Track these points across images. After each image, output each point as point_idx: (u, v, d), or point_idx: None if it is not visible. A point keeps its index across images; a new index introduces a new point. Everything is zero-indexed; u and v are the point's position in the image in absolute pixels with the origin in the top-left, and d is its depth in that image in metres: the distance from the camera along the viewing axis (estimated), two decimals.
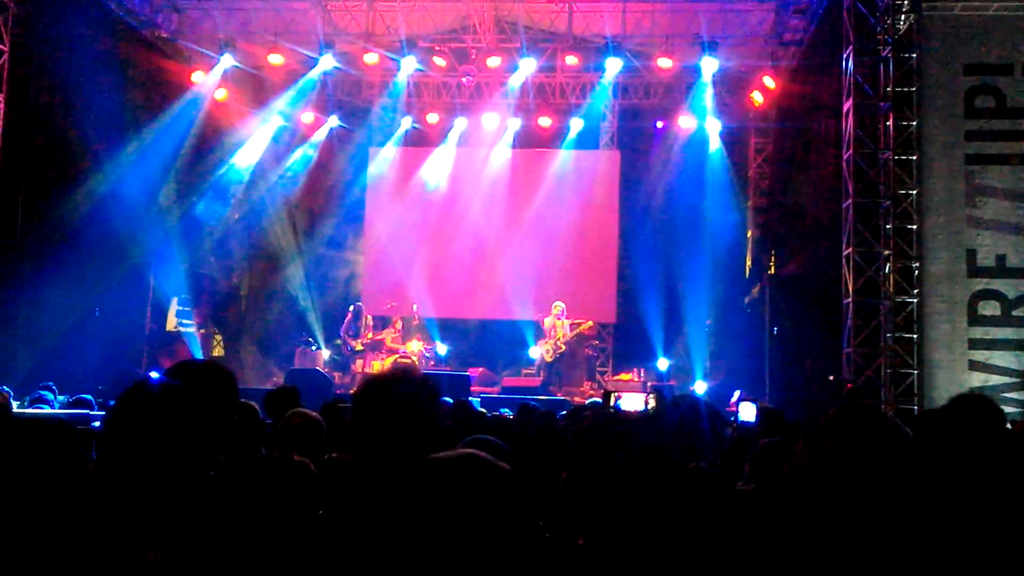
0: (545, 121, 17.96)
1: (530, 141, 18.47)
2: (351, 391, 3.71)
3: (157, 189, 15.34)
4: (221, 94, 16.60)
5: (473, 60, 16.95)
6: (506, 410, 8.16)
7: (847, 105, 12.33)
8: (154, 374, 10.42)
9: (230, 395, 2.86)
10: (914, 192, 11.85)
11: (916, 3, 11.98)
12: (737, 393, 13.29)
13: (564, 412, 7.88)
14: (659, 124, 18.09)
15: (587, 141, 18.36)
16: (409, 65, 16.74)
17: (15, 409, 7.03)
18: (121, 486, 2.33)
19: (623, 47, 16.05)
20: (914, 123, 11.90)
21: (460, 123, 18.40)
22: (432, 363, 16.53)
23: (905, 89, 11.97)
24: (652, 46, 16.39)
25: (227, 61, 16.15)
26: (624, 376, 16.71)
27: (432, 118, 18.35)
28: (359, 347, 16.58)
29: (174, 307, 16.23)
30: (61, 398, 8.86)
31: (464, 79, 17.20)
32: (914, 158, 11.89)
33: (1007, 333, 11.40)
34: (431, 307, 17.34)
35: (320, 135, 18.39)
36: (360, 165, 18.97)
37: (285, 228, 18.17)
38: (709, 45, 15.46)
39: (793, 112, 16.15)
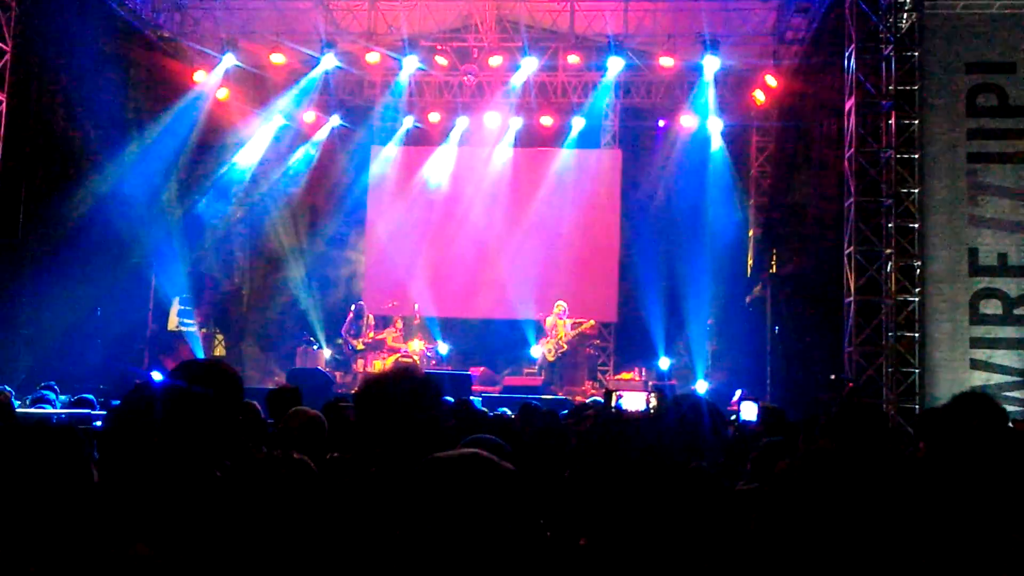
0: (547, 120, 17.95)
1: (532, 140, 18.46)
2: (353, 391, 3.71)
3: (159, 189, 15.34)
4: (223, 93, 16.61)
5: (475, 59, 16.96)
6: (504, 409, 8.16)
7: (849, 104, 12.33)
8: (156, 374, 10.46)
9: (235, 395, 2.86)
10: (916, 191, 11.84)
11: (918, 2, 11.98)
12: (739, 392, 13.29)
13: (566, 411, 7.88)
14: (661, 123, 18.07)
15: (589, 140, 18.35)
16: (411, 64, 16.74)
17: (17, 409, 7.04)
18: (123, 486, 2.33)
19: (625, 46, 16.04)
20: (916, 122, 11.89)
21: (462, 122, 18.40)
22: (433, 362, 16.53)
23: (907, 88, 11.96)
24: (654, 45, 16.39)
25: (229, 60, 16.15)
26: (625, 375, 16.71)
27: (434, 117, 18.35)
28: (360, 346, 16.58)
29: (176, 307, 16.23)
30: (63, 398, 8.87)
31: (466, 78, 17.21)
32: (916, 157, 11.88)
33: (1009, 332, 11.39)
34: (432, 306, 17.34)
35: (322, 134, 18.39)
36: (362, 164, 18.97)
37: (287, 227, 18.17)
38: (711, 44, 15.44)
39: (795, 111, 16.14)
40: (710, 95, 16.53)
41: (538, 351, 16.34)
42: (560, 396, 14.53)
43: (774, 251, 16.59)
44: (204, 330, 16.83)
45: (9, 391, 7.51)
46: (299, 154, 18.41)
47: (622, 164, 18.49)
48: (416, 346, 16.64)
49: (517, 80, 17.06)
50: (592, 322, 16.68)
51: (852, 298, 12.02)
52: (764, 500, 2.11)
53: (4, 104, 12.07)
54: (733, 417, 7.17)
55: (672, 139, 17.73)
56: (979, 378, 11.23)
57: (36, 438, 2.19)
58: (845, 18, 12.42)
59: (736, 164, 17.57)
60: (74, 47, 13.12)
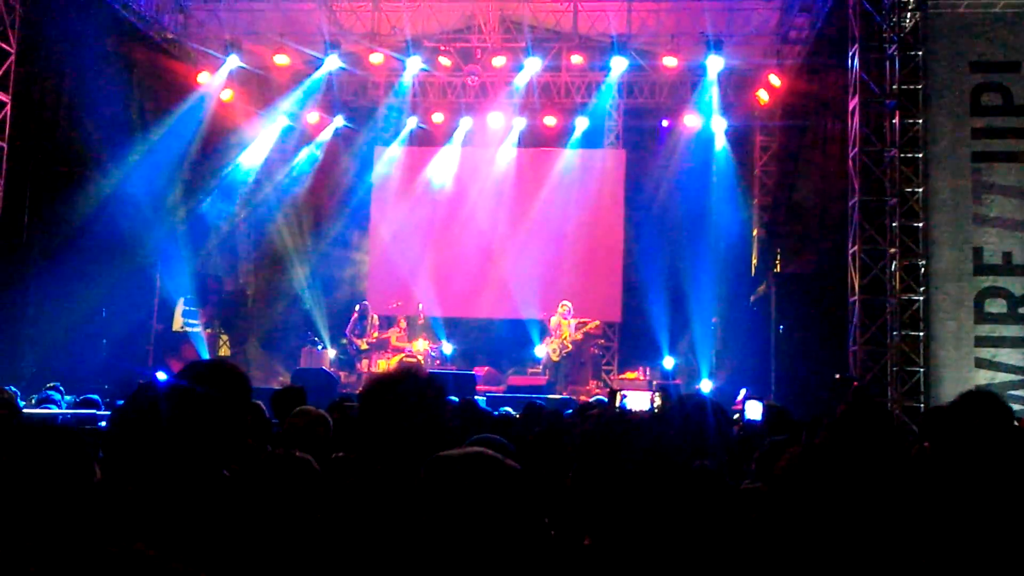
0: (550, 120, 17.96)
1: (535, 140, 18.47)
2: (357, 390, 3.71)
3: (163, 190, 15.36)
4: (227, 95, 16.64)
5: (478, 60, 16.97)
6: (507, 408, 8.15)
7: (853, 103, 12.31)
8: (161, 375, 10.47)
9: (243, 395, 2.86)
10: (920, 190, 11.82)
11: (921, 1, 11.96)
12: (743, 391, 13.27)
13: (570, 411, 7.88)
14: (664, 123, 18.08)
15: (592, 140, 18.36)
16: (414, 65, 16.75)
17: (22, 409, 7.05)
18: (128, 486, 2.34)
19: (628, 46, 16.03)
20: (920, 121, 11.87)
21: (465, 123, 18.42)
22: (437, 362, 16.54)
23: (911, 87, 11.95)
24: (657, 45, 16.38)
25: (233, 62, 16.18)
26: (630, 375, 16.72)
27: (437, 118, 18.38)
28: (364, 346, 16.60)
29: (180, 307, 16.26)
30: (68, 398, 8.88)
31: (469, 79, 17.21)
32: (920, 156, 11.86)
33: (1013, 330, 11.36)
34: (437, 306, 17.36)
35: (326, 135, 18.42)
36: (365, 165, 19.00)
37: (291, 228, 18.20)
38: (714, 44, 15.43)
39: (799, 110, 16.13)
40: (713, 95, 16.53)
41: (542, 351, 16.34)
42: (564, 396, 14.53)
43: (778, 250, 16.58)
44: (209, 330, 16.86)
45: (15, 391, 7.52)
46: (303, 155, 18.44)
47: (626, 164, 18.50)
48: (420, 346, 16.65)
49: (520, 80, 17.07)
50: (597, 322, 16.68)
51: (856, 297, 12.00)
52: (765, 498, 2.11)
53: (8, 106, 12.09)
54: (736, 416, 7.16)
55: (676, 139, 17.73)
56: (984, 377, 11.21)
57: (39, 439, 2.19)
58: (848, 17, 12.41)
59: (740, 164, 17.57)
60: (78, 49, 13.14)
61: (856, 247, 12.06)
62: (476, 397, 11.04)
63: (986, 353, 11.32)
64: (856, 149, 12.15)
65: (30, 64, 12.65)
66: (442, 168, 18.77)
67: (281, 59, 16.31)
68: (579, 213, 18.02)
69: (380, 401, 2.60)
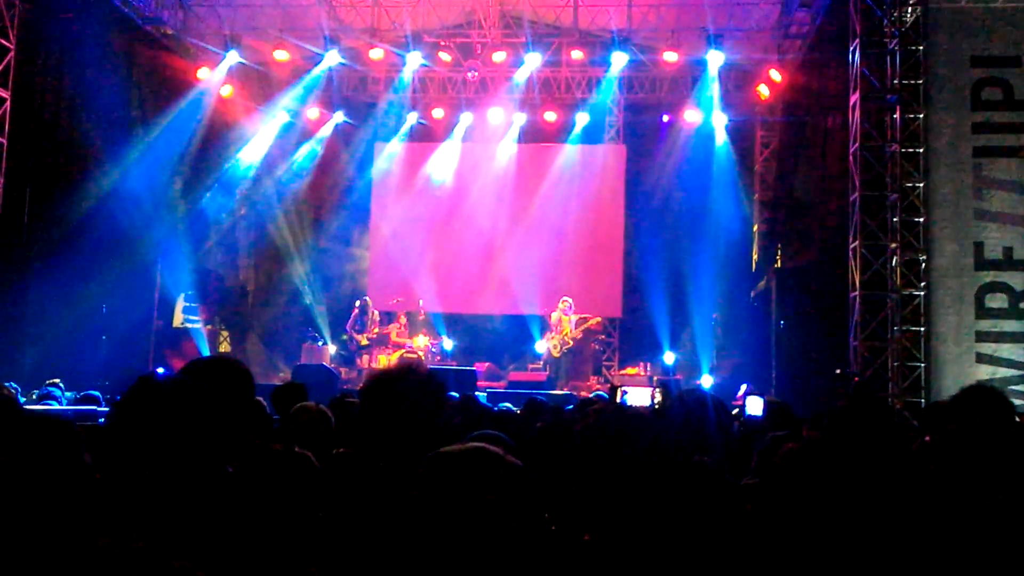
0: (551, 116, 17.95)
1: (535, 136, 18.45)
2: (358, 387, 3.71)
3: (163, 186, 15.35)
4: (227, 90, 16.63)
5: (478, 55, 16.94)
6: (506, 404, 8.15)
7: (853, 98, 12.29)
8: (160, 371, 10.46)
9: (246, 392, 2.86)
10: (921, 185, 11.81)
11: None
12: (744, 387, 13.27)
13: (571, 406, 7.88)
14: (665, 118, 18.06)
15: (593, 136, 18.35)
16: (414, 60, 16.73)
17: (23, 406, 7.05)
18: (127, 480, 2.33)
19: (629, 41, 16.00)
20: (921, 116, 11.86)
21: (466, 118, 18.40)
22: (438, 358, 16.54)
23: (912, 82, 11.94)
24: (658, 40, 16.37)
25: (232, 57, 16.15)
26: (631, 370, 16.72)
27: (437, 113, 18.36)
28: (364, 342, 16.60)
29: (181, 303, 16.26)
30: (69, 394, 8.89)
31: (469, 74, 17.20)
32: (921, 151, 11.86)
33: (1014, 325, 11.36)
34: (437, 302, 17.36)
35: (326, 131, 18.41)
36: (366, 161, 18.99)
37: (291, 224, 18.20)
38: (715, 39, 15.41)
39: (799, 105, 16.11)
40: (714, 90, 16.51)
41: (543, 346, 16.34)
42: (565, 391, 14.53)
43: (779, 246, 16.56)
44: (209, 327, 16.86)
45: (15, 388, 7.52)
46: (303, 151, 18.43)
47: (626, 159, 18.49)
48: (421, 342, 16.65)
49: (521, 76, 17.06)
50: (598, 319, 16.67)
51: (857, 292, 12.00)
52: (761, 492, 2.11)
53: (8, 102, 12.09)
54: (736, 411, 7.15)
55: (676, 134, 17.72)
56: (985, 372, 11.21)
57: (30, 430, 2.18)
58: (849, 12, 12.39)
59: (740, 159, 17.56)
60: (78, 45, 13.13)
61: (857, 242, 12.05)
62: (476, 393, 11.04)
63: (987, 348, 11.32)
64: (857, 144, 12.14)
65: (30, 60, 12.65)
66: (442, 164, 18.76)
67: (281, 55, 16.29)
68: (579, 209, 18.01)
69: (381, 397, 2.60)
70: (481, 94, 17.85)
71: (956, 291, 11.51)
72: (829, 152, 14.15)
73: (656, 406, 5.68)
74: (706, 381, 15.46)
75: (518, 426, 5.77)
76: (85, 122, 13.57)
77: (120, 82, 14.08)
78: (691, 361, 16.54)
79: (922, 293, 11.73)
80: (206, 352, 15.36)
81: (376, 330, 16.70)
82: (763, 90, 16.48)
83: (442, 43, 16.88)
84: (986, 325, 11.39)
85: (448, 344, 17.08)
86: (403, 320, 16.96)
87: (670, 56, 16.18)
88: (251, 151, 17.67)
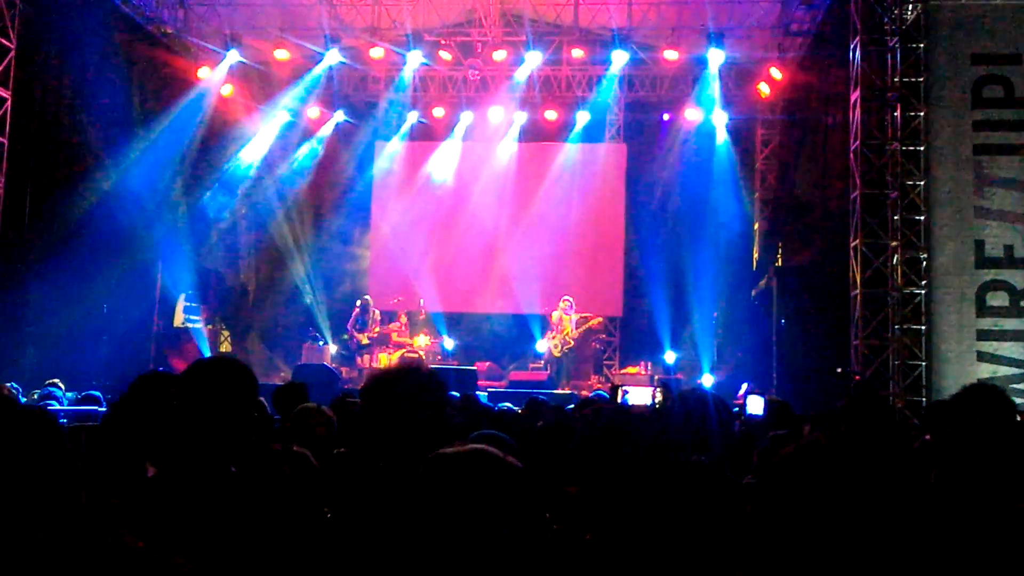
0: (551, 114, 17.94)
1: (536, 135, 18.45)
2: (359, 386, 3.71)
3: (164, 186, 15.36)
4: (227, 90, 16.63)
5: (479, 54, 16.94)
6: (507, 404, 8.16)
7: (854, 96, 12.28)
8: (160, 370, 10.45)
9: (250, 393, 2.85)
10: (921, 183, 11.80)
11: None
12: (745, 386, 13.27)
13: (571, 406, 7.88)
14: (665, 117, 18.06)
15: (593, 134, 18.35)
16: (415, 59, 16.73)
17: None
18: (122, 479, 2.33)
19: (629, 39, 16.00)
20: (922, 113, 11.84)
21: (466, 117, 18.39)
22: (439, 357, 16.54)
23: (912, 79, 11.92)
24: (658, 38, 16.36)
25: (233, 57, 16.15)
26: (631, 369, 16.71)
27: (438, 112, 18.36)
28: (365, 341, 16.61)
29: (181, 303, 16.26)
30: (69, 395, 8.89)
31: (470, 73, 17.20)
32: (921, 149, 11.85)
33: (1015, 324, 11.34)
34: (438, 301, 17.36)
35: (326, 130, 18.41)
36: (366, 160, 18.99)
37: (292, 223, 18.20)
38: (715, 37, 15.41)
39: (800, 104, 16.10)
40: (715, 88, 16.51)
41: (544, 346, 16.34)
42: (566, 391, 14.53)
43: (780, 244, 16.56)
44: (210, 326, 16.86)
45: (16, 388, 7.52)
46: (304, 150, 18.43)
47: (627, 158, 18.49)
48: (421, 341, 16.66)
49: (521, 74, 17.05)
50: (600, 319, 16.67)
51: (858, 291, 11.99)
52: (760, 491, 2.10)
53: (9, 102, 12.08)
54: (736, 410, 7.16)
55: (677, 133, 17.72)
56: (986, 370, 11.19)
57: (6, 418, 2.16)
58: (850, 10, 12.37)
59: (741, 157, 17.55)
60: (78, 44, 13.13)
61: (857, 240, 12.05)
62: (477, 392, 11.05)
63: (988, 347, 11.31)
64: (857, 142, 12.13)
65: (30, 60, 12.64)
66: (443, 163, 18.76)
67: (281, 54, 16.29)
68: (580, 207, 18.01)
69: (382, 397, 2.59)
70: (482, 93, 17.85)
71: (957, 289, 11.49)
72: (830, 150, 14.14)
73: (657, 405, 5.68)
74: (707, 380, 15.47)
75: (519, 426, 5.77)
76: (86, 122, 13.56)
77: (120, 81, 14.08)
78: (692, 360, 16.53)
79: (923, 291, 11.72)
80: (207, 352, 15.37)
81: (377, 329, 16.71)
82: (764, 88, 16.47)
83: (442, 42, 16.87)
84: (987, 323, 11.37)
85: (449, 343, 17.08)
86: (404, 319, 16.96)
87: (671, 54, 16.17)
88: (252, 150, 17.67)
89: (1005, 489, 2.69)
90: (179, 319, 16.33)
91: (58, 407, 7.91)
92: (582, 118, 18.01)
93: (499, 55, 16.68)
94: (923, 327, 11.65)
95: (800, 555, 2.02)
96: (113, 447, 3.13)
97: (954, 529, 2.47)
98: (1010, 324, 11.35)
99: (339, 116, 18.32)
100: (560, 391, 14.31)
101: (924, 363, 11.58)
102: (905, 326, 11.72)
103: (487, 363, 16.71)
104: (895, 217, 11.90)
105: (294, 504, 2.70)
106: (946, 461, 2.97)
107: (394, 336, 16.67)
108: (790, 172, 16.71)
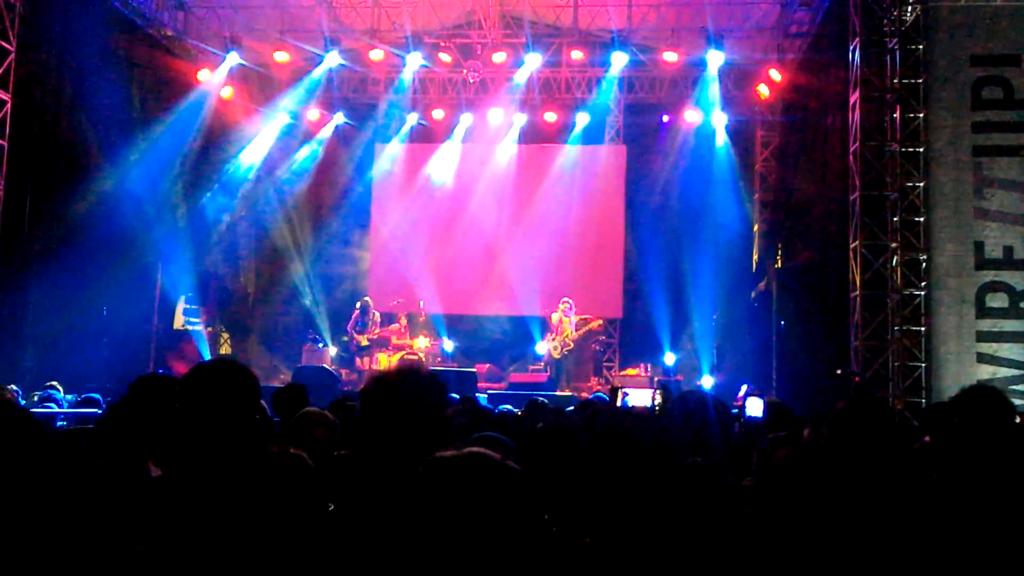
0: (551, 116, 17.94)
1: (536, 136, 18.44)
2: (359, 388, 3.71)
3: (164, 188, 15.36)
4: (227, 92, 16.64)
5: (478, 55, 16.94)
6: (507, 406, 8.15)
7: (854, 97, 12.29)
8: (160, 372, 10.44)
9: (253, 395, 2.85)
10: (921, 184, 11.81)
11: None
12: (744, 387, 13.27)
13: (571, 408, 7.88)
14: (665, 118, 18.04)
15: (593, 136, 18.34)
16: (414, 61, 16.74)
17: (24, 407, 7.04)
18: (120, 481, 2.33)
19: (629, 41, 16.01)
20: (921, 115, 11.85)
21: (466, 119, 18.39)
22: (439, 359, 16.54)
23: (912, 81, 11.94)
24: (658, 40, 16.38)
25: (233, 59, 16.17)
26: (631, 371, 16.70)
27: (438, 114, 18.36)
28: (365, 343, 16.60)
29: (181, 305, 16.26)
30: (69, 397, 8.87)
31: (469, 75, 17.19)
32: (921, 150, 11.85)
33: (1015, 325, 11.34)
34: (438, 303, 17.35)
35: (326, 132, 18.41)
36: (366, 162, 18.98)
37: (292, 225, 18.20)
38: (715, 38, 15.41)
39: (799, 105, 16.10)
40: (714, 90, 16.51)
41: (544, 348, 16.33)
42: (566, 393, 14.52)
43: (779, 246, 16.55)
44: (210, 329, 16.86)
45: (16, 390, 7.52)
46: (303, 152, 18.43)
47: (626, 160, 18.49)
48: (421, 343, 16.65)
49: (521, 76, 17.05)
50: (600, 321, 16.67)
51: (858, 292, 12.00)
52: (758, 493, 2.10)
53: (9, 104, 12.08)
54: (736, 412, 7.16)
55: (676, 134, 17.71)
56: (986, 372, 11.19)
57: None
58: (849, 12, 12.39)
59: (741, 159, 17.55)
60: (78, 47, 13.13)
61: (857, 242, 12.05)
62: (477, 394, 11.05)
63: (987, 348, 11.31)
64: (857, 144, 12.14)
65: (30, 62, 12.64)
66: (442, 165, 18.76)
67: (281, 56, 16.30)
68: (580, 209, 18.00)
69: (382, 399, 2.59)
70: (481, 95, 17.85)
71: (956, 291, 11.50)
72: (829, 152, 14.14)
73: (657, 407, 5.68)
74: (707, 382, 15.46)
75: (519, 428, 5.77)
76: (86, 124, 13.56)
77: (120, 84, 14.08)
78: (692, 362, 16.53)
79: (922, 293, 11.72)
80: (207, 354, 15.37)
81: (377, 331, 16.70)
82: (763, 90, 16.48)
83: (442, 44, 16.88)
84: (987, 325, 11.38)
85: (449, 345, 17.08)
86: (404, 321, 16.96)
87: (670, 56, 16.18)
88: (251, 152, 17.67)
89: (1005, 491, 2.69)
90: (179, 321, 16.33)
91: (57, 409, 7.91)
92: (582, 120, 18.01)
93: (499, 57, 16.69)
94: (923, 328, 11.66)
95: (800, 556, 2.02)
96: (111, 448, 3.13)
97: (954, 531, 2.47)
98: (1010, 326, 11.35)
99: (339, 118, 18.32)
100: (560, 393, 14.30)
101: (924, 364, 11.59)
102: (905, 327, 11.73)
103: (487, 365, 16.70)
104: (895, 218, 11.91)
105: (291, 506, 2.69)
106: (946, 463, 2.97)
107: (394, 338, 16.67)
108: (789, 174, 16.70)
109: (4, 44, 12.02)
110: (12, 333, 12.28)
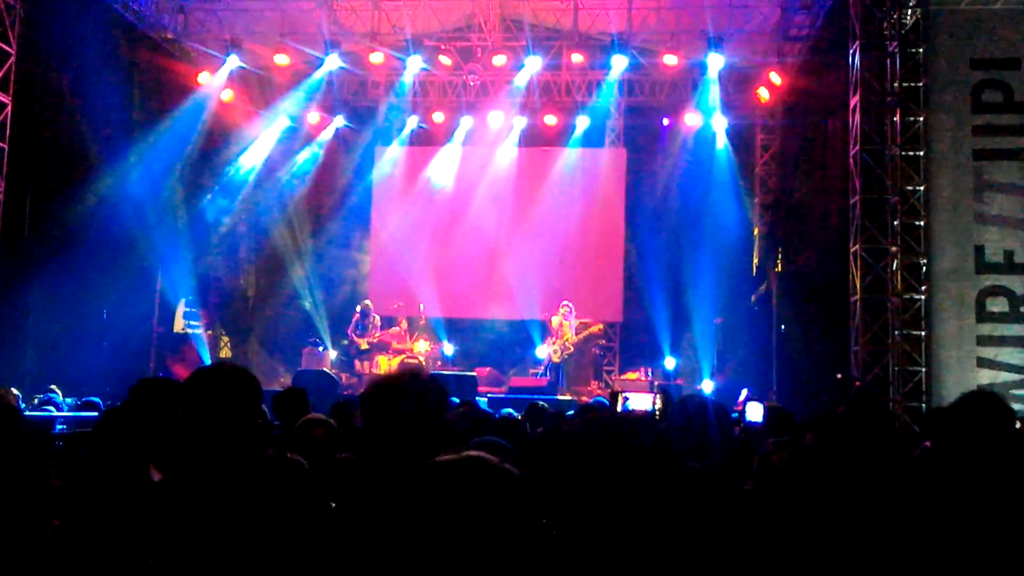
0: (551, 119, 17.94)
1: (536, 139, 18.45)
2: (359, 392, 3.71)
3: (164, 191, 15.37)
4: (227, 95, 16.64)
5: (479, 59, 16.95)
6: (508, 410, 8.14)
7: (854, 101, 12.29)
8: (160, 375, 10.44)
9: (255, 399, 2.85)
10: (921, 188, 11.81)
11: None
12: (744, 392, 13.27)
13: (571, 412, 7.87)
14: (665, 121, 18.06)
15: (593, 139, 18.35)
16: (415, 64, 16.74)
17: (23, 411, 7.04)
18: (116, 484, 2.33)
19: (629, 44, 16.01)
20: (921, 118, 11.85)
21: (466, 122, 18.40)
22: (439, 363, 16.53)
23: (912, 84, 11.93)
24: (658, 43, 16.38)
25: (233, 62, 16.18)
26: (631, 375, 16.71)
27: (438, 117, 18.36)
28: (365, 346, 16.60)
29: (181, 308, 16.27)
30: (68, 400, 8.87)
31: (470, 78, 17.21)
32: (921, 154, 11.85)
33: (1015, 330, 11.33)
34: (438, 307, 17.35)
35: (326, 135, 18.42)
36: (366, 165, 19.00)
37: (292, 229, 18.21)
38: (715, 41, 15.41)
39: (799, 108, 16.11)
40: (714, 93, 16.51)
41: (544, 352, 16.33)
42: (566, 397, 14.52)
43: (779, 249, 16.56)
44: (210, 332, 16.87)
45: (16, 394, 7.52)
46: (304, 155, 18.45)
47: (627, 163, 18.50)
48: (421, 347, 16.65)
49: (521, 79, 17.06)
50: (600, 325, 16.67)
51: (858, 296, 11.98)
52: (758, 498, 2.10)
53: (9, 107, 12.09)
54: (736, 417, 7.15)
55: (676, 137, 17.72)
56: (986, 376, 11.18)
57: None
58: (849, 15, 12.38)
59: (741, 162, 17.55)
60: (78, 49, 13.14)
61: (857, 246, 12.04)
62: (477, 398, 11.04)
63: (988, 352, 11.29)
64: (857, 147, 12.13)
65: (31, 65, 12.65)
66: (443, 168, 18.77)
67: (281, 59, 16.31)
68: (580, 212, 18.01)
69: (382, 403, 2.59)
70: (481, 98, 17.85)
71: (957, 295, 11.49)
72: (829, 155, 14.14)
73: (657, 411, 5.68)
74: (707, 386, 15.47)
75: (520, 432, 5.76)
76: (86, 127, 13.57)
77: (121, 87, 14.09)
78: (692, 366, 16.53)
79: (923, 297, 11.71)
80: (207, 357, 15.38)
81: (377, 335, 16.70)
82: (763, 93, 16.48)
83: (442, 47, 16.88)
84: (987, 329, 11.36)
85: (449, 349, 17.08)
86: (404, 325, 16.96)
87: (670, 59, 16.18)
88: (252, 155, 17.69)
89: (1005, 497, 2.68)
90: (179, 324, 16.33)
91: (56, 413, 7.91)
92: (582, 123, 18.02)
93: (499, 60, 16.70)
94: (923, 333, 11.65)
95: (799, 560, 2.02)
96: (112, 452, 3.13)
97: (954, 536, 2.46)
98: (1010, 330, 11.34)
99: (339, 121, 18.33)
100: (560, 397, 14.29)
101: (924, 369, 11.58)
102: (905, 332, 11.72)
103: (487, 369, 16.70)
104: (895, 222, 11.90)
105: (287, 510, 2.69)
106: (946, 469, 2.96)
107: (394, 342, 16.68)
108: (790, 177, 16.71)
109: (4, 47, 12.03)
110: (12, 335, 12.28)
